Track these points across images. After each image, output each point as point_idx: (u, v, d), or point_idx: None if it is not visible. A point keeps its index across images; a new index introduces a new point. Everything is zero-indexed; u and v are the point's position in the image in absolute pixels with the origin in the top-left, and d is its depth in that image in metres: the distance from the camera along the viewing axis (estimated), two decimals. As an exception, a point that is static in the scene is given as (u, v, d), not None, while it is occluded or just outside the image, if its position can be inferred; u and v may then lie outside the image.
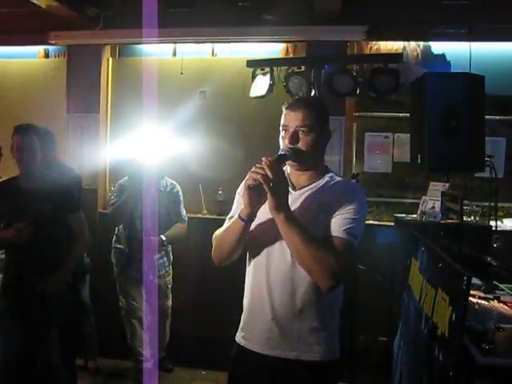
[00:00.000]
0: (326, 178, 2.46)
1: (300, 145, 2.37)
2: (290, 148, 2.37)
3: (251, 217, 2.34)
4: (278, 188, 2.23)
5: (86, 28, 5.67)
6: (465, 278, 2.15)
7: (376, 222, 5.40)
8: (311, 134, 2.38)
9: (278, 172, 2.23)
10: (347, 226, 2.28)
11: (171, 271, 4.99)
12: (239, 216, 2.34)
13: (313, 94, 4.69)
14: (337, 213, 2.30)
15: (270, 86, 4.82)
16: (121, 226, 4.85)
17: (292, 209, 2.32)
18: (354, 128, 5.52)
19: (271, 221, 2.33)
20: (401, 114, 5.34)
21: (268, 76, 4.83)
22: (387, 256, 4.67)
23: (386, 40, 5.45)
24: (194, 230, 5.23)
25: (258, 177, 2.20)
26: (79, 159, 5.67)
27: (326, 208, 2.33)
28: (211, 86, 5.56)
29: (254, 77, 4.93)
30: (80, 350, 5.07)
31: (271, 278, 2.40)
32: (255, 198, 2.27)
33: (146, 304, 4.73)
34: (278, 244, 2.38)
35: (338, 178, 2.48)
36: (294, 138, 2.37)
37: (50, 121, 5.44)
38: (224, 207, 5.28)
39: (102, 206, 5.89)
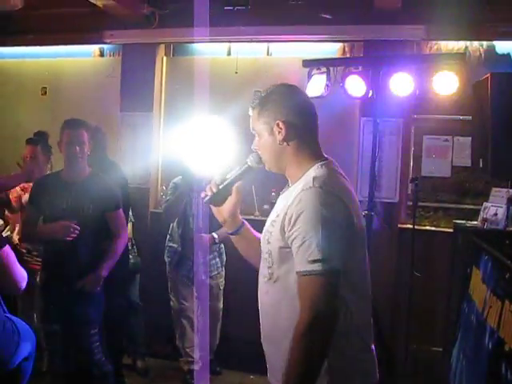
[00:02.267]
0: (303, 177, 2.10)
1: (258, 150, 2.21)
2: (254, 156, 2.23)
3: (232, 229, 2.43)
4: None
5: (140, 27, 5.67)
6: (538, 291, 2.02)
7: (433, 228, 5.25)
8: (262, 135, 2.16)
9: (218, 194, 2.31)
10: (307, 253, 1.89)
11: (224, 273, 4.92)
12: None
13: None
14: (291, 236, 1.96)
15: (327, 86, 4.72)
16: (174, 225, 4.81)
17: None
18: (412, 131, 5.38)
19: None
20: (461, 117, 5.15)
21: (324, 76, 4.74)
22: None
23: (447, 40, 5.27)
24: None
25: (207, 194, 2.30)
26: (132, 158, 5.67)
27: (276, 218, 2.11)
28: (266, 86, 5.47)
29: (310, 76, 4.84)
30: (128, 350, 5.08)
31: (259, 297, 2.24)
32: (217, 209, 2.37)
33: (198, 304, 4.68)
34: (261, 259, 2.21)
35: (305, 182, 2.04)
36: (255, 144, 2.22)
37: (104, 119, 5.49)
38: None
39: (154, 205, 5.89)
